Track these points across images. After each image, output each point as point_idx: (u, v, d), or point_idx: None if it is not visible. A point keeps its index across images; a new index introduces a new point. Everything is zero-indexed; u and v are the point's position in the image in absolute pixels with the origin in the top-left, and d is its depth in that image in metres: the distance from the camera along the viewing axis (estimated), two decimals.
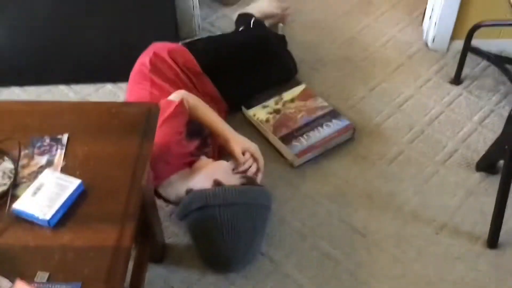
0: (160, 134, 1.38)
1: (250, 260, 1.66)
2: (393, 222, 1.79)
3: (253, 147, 1.75)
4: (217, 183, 1.59)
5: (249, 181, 1.65)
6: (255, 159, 1.74)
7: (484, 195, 1.85)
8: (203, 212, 1.54)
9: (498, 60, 2.19)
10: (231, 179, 1.62)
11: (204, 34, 2.43)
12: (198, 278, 1.65)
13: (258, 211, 1.59)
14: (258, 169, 1.73)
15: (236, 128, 1.79)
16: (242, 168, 1.69)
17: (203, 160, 1.71)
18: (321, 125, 2.02)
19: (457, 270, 1.67)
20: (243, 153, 1.73)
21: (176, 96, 1.72)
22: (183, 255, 1.71)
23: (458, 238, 1.74)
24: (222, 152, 1.81)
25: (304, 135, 1.98)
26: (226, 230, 1.53)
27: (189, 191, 1.59)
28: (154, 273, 1.66)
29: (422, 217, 1.80)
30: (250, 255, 1.64)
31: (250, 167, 1.71)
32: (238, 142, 1.74)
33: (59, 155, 1.26)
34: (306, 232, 1.76)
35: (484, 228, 1.74)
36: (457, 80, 2.23)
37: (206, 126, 1.78)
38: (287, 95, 2.13)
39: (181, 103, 1.67)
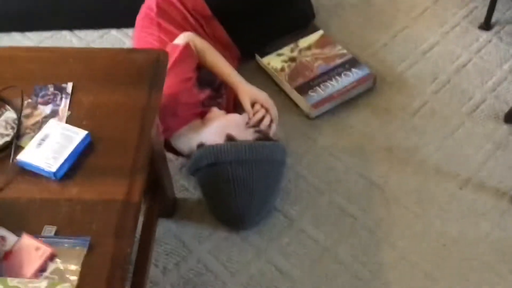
0: (167, 82, 1.36)
1: (264, 216, 1.67)
2: (415, 177, 1.78)
3: (262, 96, 1.72)
4: (229, 138, 1.58)
5: (264, 136, 1.64)
6: (266, 110, 1.71)
7: None
8: (214, 169, 1.55)
9: None
10: (245, 134, 1.60)
11: None
12: (209, 233, 1.67)
13: (272, 167, 1.59)
14: (271, 121, 1.71)
15: (248, 77, 1.77)
16: (253, 120, 1.67)
17: (215, 111, 1.70)
18: (340, 74, 1.99)
19: (481, 227, 1.67)
20: (253, 104, 1.71)
21: (182, 38, 1.70)
22: (194, 209, 1.73)
23: (483, 194, 1.74)
24: (238, 103, 1.79)
25: (321, 85, 1.96)
26: (238, 188, 1.53)
27: (200, 146, 1.59)
28: (165, 228, 1.68)
29: (445, 172, 1.79)
30: (263, 212, 1.65)
31: (262, 119, 1.69)
32: (246, 91, 1.72)
33: (64, 105, 1.26)
34: (323, 187, 1.76)
35: (510, 184, 1.72)
36: (487, 25, 2.18)
37: (213, 73, 1.76)
38: (303, 42, 2.10)
39: (187, 46, 1.65)
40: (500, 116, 1.91)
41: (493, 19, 2.17)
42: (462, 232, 1.66)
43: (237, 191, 1.54)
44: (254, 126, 1.65)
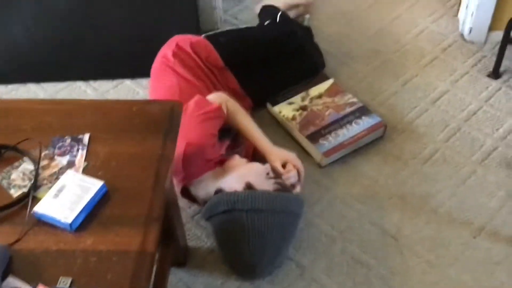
0: (195, 134, 1.40)
1: (277, 266, 1.67)
2: (428, 226, 1.78)
3: (292, 156, 1.76)
4: (248, 186, 1.59)
5: (283, 187, 1.64)
6: (296, 169, 1.74)
7: None
8: (229, 215, 1.56)
9: None
10: (264, 184, 1.61)
11: (226, 27, 2.44)
12: (221, 283, 1.67)
13: (288, 219, 1.60)
14: (298, 179, 1.73)
15: (260, 125, 1.80)
16: (288, 181, 1.68)
17: (236, 159, 1.72)
18: (350, 123, 2.01)
19: (496, 276, 1.65)
20: (284, 166, 1.74)
21: (215, 97, 1.74)
22: (206, 258, 1.73)
23: (498, 242, 1.73)
24: (257, 154, 1.81)
25: (332, 133, 1.98)
26: (252, 236, 1.53)
27: (218, 191, 1.61)
28: (177, 277, 1.68)
29: (458, 220, 1.79)
30: (276, 262, 1.65)
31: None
32: (276, 155, 1.76)
33: (80, 156, 1.28)
34: (335, 235, 1.76)
35: None
36: (495, 73, 2.21)
37: (242, 134, 1.80)
38: (314, 90, 2.13)
39: (220, 107, 1.69)
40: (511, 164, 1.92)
41: (502, 68, 2.21)
42: (477, 281, 1.64)
43: (251, 240, 1.54)
44: (274, 177, 1.66)
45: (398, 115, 2.10)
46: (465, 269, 1.67)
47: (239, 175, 1.62)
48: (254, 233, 1.53)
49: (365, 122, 2.01)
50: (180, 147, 1.55)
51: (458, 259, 1.69)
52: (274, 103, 2.10)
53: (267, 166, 1.68)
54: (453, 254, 1.71)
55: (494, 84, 2.19)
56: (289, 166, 1.74)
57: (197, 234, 1.79)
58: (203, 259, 1.73)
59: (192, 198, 1.75)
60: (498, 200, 1.83)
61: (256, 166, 1.67)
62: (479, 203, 1.83)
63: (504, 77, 2.21)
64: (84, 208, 1.17)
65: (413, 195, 1.86)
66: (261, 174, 1.64)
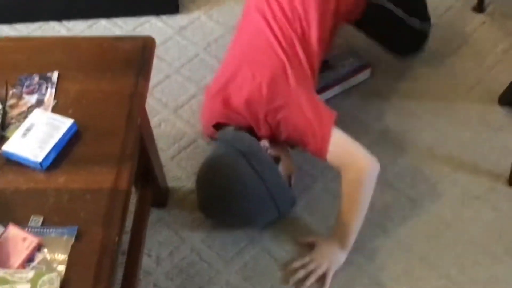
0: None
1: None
2: (408, 160, 1.77)
3: (324, 266, 1.54)
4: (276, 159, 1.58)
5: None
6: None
7: (506, 131, 1.82)
8: (236, 155, 1.52)
9: None
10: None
11: None
12: (202, 222, 1.67)
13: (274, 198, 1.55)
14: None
15: None
16: (292, 279, 1.56)
17: (286, 151, 1.66)
18: (337, 63, 1.96)
19: (476, 210, 1.67)
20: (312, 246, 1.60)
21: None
22: (186, 198, 1.72)
23: (478, 177, 1.73)
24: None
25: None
26: (234, 187, 1.51)
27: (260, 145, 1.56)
28: (157, 218, 1.68)
29: (439, 154, 1.79)
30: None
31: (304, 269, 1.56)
32: (322, 249, 1.57)
33: (49, 94, 1.25)
34: (317, 175, 1.76)
35: (506, 165, 1.72)
36: (480, 7, 2.16)
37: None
38: None
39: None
40: (495, 98, 1.90)
41: (486, 1, 2.16)
42: (456, 215, 1.66)
43: (232, 191, 1.52)
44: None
45: (383, 54, 2.04)
46: (445, 203, 1.68)
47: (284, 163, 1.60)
48: (239, 186, 1.52)
49: (353, 62, 1.96)
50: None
51: (438, 194, 1.70)
52: None
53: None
54: (432, 188, 1.71)
55: (478, 18, 2.15)
56: (307, 259, 1.57)
57: (178, 175, 1.78)
58: (184, 199, 1.73)
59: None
60: (479, 134, 1.83)
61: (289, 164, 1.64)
62: (460, 137, 1.82)
63: (488, 10, 2.17)
64: (54, 146, 1.15)
65: (394, 130, 1.84)
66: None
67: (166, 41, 2.13)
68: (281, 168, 1.59)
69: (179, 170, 1.79)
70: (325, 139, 1.51)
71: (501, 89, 1.90)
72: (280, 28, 1.63)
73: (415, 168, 1.76)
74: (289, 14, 1.65)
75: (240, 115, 1.59)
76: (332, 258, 1.55)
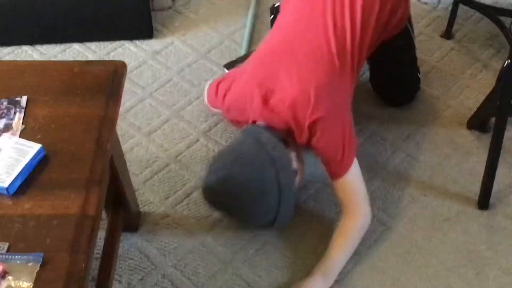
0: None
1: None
2: (378, 183, 1.79)
3: None
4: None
5: None
6: None
7: (475, 154, 1.85)
8: (266, 164, 1.50)
9: (491, 12, 2.16)
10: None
11: None
12: (174, 247, 1.65)
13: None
14: None
15: None
16: None
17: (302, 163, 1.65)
18: None
19: (446, 233, 1.68)
20: None
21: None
22: (159, 223, 1.71)
23: (448, 200, 1.75)
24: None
25: None
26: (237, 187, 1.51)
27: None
28: (129, 243, 1.66)
29: (409, 178, 1.80)
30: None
31: None
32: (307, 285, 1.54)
33: (17, 119, 1.23)
34: None
35: (476, 188, 1.74)
36: (448, 34, 2.21)
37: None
38: None
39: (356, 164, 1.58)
40: (463, 122, 1.93)
41: (454, 28, 2.21)
42: (427, 237, 1.66)
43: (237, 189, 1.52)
44: None
45: None
46: (416, 226, 1.69)
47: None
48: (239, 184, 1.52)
49: None
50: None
51: (409, 217, 1.71)
52: (229, 66, 2.06)
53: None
54: (403, 211, 1.72)
55: (447, 44, 2.19)
56: None
57: (150, 199, 1.76)
58: (156, 224, 1.71)
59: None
60: (448, 158, 1.85)
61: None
62: (429, 160, 1.84)
63: (457, 37, 2.22)
64: (21, 172, 1.13)
65: (364, 153, 1.86)
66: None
67: (140, 65, 2.13)
68: (297, 180, 1.60)
69: (151, 194, 1.77)
70: (347, 165, 1.55)
71: (469, 113, 1.93)
72: (336, 30, 1.59)
73: (386, 191, 1.77)
74: (348, 18, 1.61)
75: (280, 116, 1.55)
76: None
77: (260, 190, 1.51)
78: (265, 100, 1.57)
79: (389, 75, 1.94)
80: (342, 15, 1.61)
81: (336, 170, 1.56)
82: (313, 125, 1.51)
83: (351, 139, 1.56)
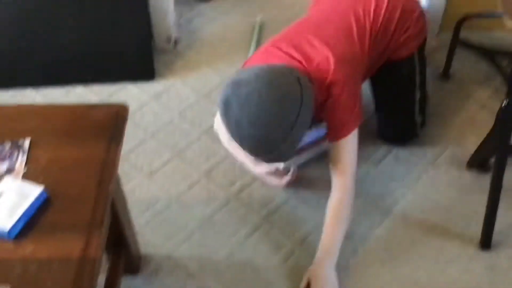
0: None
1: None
2: (382, 224, 1.78)
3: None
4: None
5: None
6: None
7: (476, 194, 1.85)
8: (294, 83, 1.55)
9: (488, 53, 2.19)
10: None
11: (182, 32, 2.42)
12: None
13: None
14: None
15: None
16: None
17: None
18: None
19: (449, 273, 1.66)
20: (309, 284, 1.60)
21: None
22: (161, 265, 1.69)
23: (450, 240, 1.74)
24: None
25: None
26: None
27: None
28: (129, 285, 1.64)
29: (412, 219, 1.80)
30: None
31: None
32: (315, 271, 1.61)
33: (20, 162, 1.24)
34: (292, 240, 1.75)
35: (477, 228, 1.73)
36: (446, 74, 2.23)
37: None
38: None
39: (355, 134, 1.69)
40: (463, 163, 1.94)
41: (452, 69, 2.23)
42: (430, 278, 1.65)
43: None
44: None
45: None
46: (419, 267, 1.68)
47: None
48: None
49: (323, 129, 1.99)
50: None
51: (412, 257, 1.70)
52: None
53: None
54: (406, 252, 1.71)
55: (445, 85, 2.21)
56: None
57: (151, 241, 1.76)
58: (158, 266, 1.70)
59: None
60: (450, 198, 1.85)
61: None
62: (431, 201, 1.84)
63: (454, 78, 2.24)
64: (23, 215, 1.13)
65: (368, 195, 1.86)
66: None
67: (142, 107, 2.15)
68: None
69: (153, 236, 1.77)
70: (349, 131, 1.67)
71: (468, 153, 1.94)
72: (359, 19, 1.78)
73: (388, 231, 1.76)
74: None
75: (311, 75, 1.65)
76: (328, 282, 1.59)
77: (278, 116, 1.51)
78: (303, 66, 1.67)
79: (387, 110, 1.98)
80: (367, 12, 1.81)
81: (337, 133, 1.68)
82: (332, 86, 1.63)
83: (359, 110, 1.70)
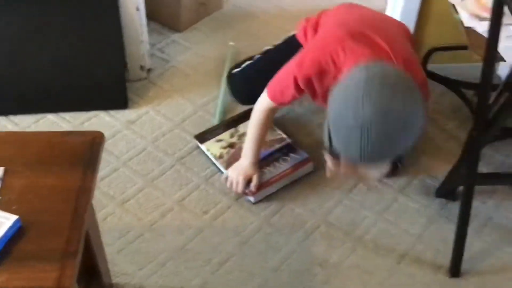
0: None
1: None
2: (355, 252, 1.80)
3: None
4: None
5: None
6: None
7: (445, 222, 1.89)
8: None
9: (455, 85, 2.26)
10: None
11: (155, 61, 2.44)
12: None
13: None
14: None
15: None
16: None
17: None
18: (278, 160, 2.01)
19: None
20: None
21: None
22: None
23: (420, 268, 1.77)
24: None
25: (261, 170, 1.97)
26: None
27: None
28: None
29: (383, 246, 1.82)
30: None
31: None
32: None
33: None
34: (267, 267, 1.76)
35: (447, 256, 1.77)
36: None
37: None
38: (243, 127, 2.09)
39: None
40: (431, 191, 1.98)
41: None
42: None
43: None
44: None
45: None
46: None
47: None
48: None
49: (292, 159, 2.02)
50: None
51: (384, 285, 1.72)
52: (202, 140, 2.08)
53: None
54: (378, 280, 1.73)
55: None
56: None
57: (123, 270, 1.74)
58: None
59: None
60: (419, 226, 1.89)
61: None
62: (401, 229, 1.87)
63: None
64: None
65: (340, 223, 1.88)
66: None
67: (114, 135, 2.14)
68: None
69: (125, 265, 1.75)
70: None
71: (437, 182, 1.99)
72: None
73: (361, 259, 1.78)
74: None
75: None
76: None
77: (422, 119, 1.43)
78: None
79: None
80: None
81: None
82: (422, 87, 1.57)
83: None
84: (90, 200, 1.26)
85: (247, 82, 2.15)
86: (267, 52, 2.17)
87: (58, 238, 1.16)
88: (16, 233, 1.16)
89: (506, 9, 1.41)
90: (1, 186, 1.24)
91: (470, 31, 1.73)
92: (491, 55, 1.51)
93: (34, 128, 2.15)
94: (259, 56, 2.18)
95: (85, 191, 1.25)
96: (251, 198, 1.92)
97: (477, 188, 1.71)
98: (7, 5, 1.98)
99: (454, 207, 1.87)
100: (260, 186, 1.93)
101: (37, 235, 1.17)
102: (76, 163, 1.30)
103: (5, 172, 1.27)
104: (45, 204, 1.22)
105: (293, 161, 2.01)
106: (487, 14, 1.66)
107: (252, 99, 1.92)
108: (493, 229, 1.89)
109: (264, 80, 1.83)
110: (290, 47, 1.95)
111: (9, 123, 2.17)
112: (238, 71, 2.19)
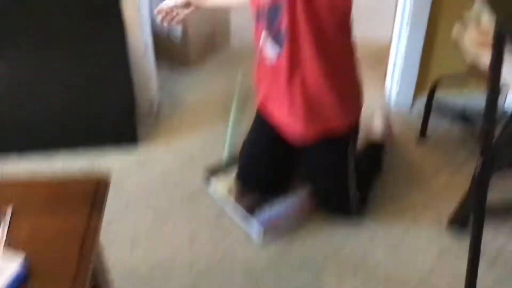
0: None
1: None
2: (366, 286, 1.78)
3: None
4: None
5: None
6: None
7: (457, 254, 1.86)
8: None
9: (461, 117, 2.26)
10: None
11: (164, 98, 2.46)
12: None
13: None
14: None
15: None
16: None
17: None
18: None
19: None
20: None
21: None
22: None
23: None
24: None
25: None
26: None
27: None
28: None
29: (394, 281, 1.80)
30: None
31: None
32: None
33: (1, 232, 1.24)
34: None
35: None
36: (422, 138, 2.28)
37: None
38: None
39: None
40: (443, 223, 1.96)
41: (428, 132, 2.28)
42: None
43: None
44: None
45: None
46: None
47: None
48: None
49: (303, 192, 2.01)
50: None
51: None
52: (212, 175, 2.08)
53: None
54: None
55: (420, 149, 2.26)
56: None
57: None
58: None
59: None
60: (431, 259, 1.86)
61: None
62: (413, 262, 1.85)
63: (430, 141, 2.29)
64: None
65: (350, 258, 1.86)
66: None
67: (125, 171, 2.16)
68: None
69: None
70: None
71: (448, 213, 1.96)
72: None
73: None
74: None
75: None
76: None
77: None
78: None
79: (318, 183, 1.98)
80: None
81: None
82: None
83: None
84: (96, 242, 1.26)
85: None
86: None
87: (65, 281, 1.16)
88: (23, 275, 1.16)
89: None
90: (8, 227, 1.25)
91: (473, 62, 1.74)
92: (494, 86, 1.50)
93: (46, 165, 2.18)
94: None
95: (91, 232, 1.25)
96: (259, 235, 1.91)
97: (487, 219, 1.69)
98: (19, 48, 2.02)
99: (465, 238, 1.84)
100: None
101: (44, 277, 1.17)
102: (82, 206, 1.31)
103: (12, 213, 1.28)
104: (52, 246, 1.22)
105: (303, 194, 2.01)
106: (489, 45, 1.66)
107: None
108: (506, 260, 1.85)
109: None
110: None
111: (22, 161, 2.20)
112: None
